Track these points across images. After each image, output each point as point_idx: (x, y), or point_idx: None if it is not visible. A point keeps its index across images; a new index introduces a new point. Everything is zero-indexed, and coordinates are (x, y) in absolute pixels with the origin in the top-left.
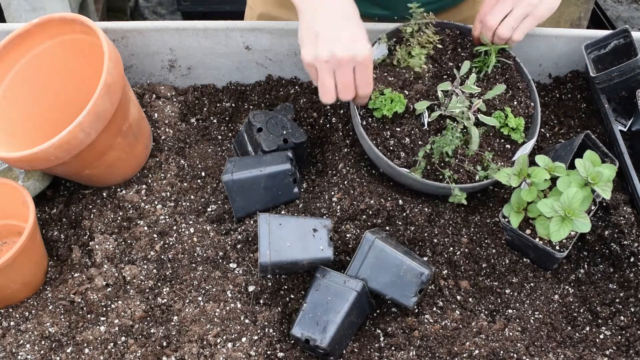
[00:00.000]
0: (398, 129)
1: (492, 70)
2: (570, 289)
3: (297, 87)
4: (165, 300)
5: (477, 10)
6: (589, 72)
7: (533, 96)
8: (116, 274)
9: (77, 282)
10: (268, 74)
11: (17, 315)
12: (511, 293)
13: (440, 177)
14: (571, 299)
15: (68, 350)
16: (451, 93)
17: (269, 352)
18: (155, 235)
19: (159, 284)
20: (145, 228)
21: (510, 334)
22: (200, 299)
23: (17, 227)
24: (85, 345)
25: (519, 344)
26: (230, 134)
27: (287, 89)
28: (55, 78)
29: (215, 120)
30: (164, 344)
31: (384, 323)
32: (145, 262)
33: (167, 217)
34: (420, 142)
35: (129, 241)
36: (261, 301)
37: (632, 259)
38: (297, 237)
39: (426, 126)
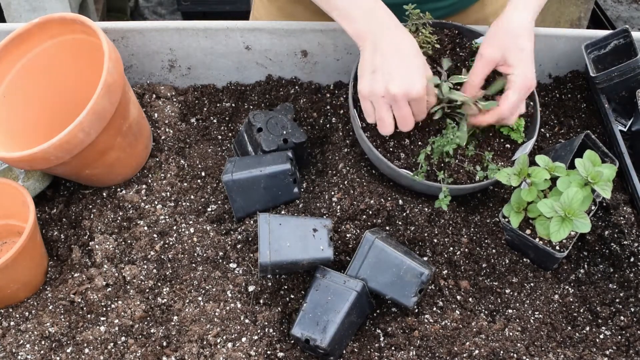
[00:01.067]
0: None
1: None
2: (570, 289)
3: (297, 87)
4: (165, 300)
5: (484, 13)
6: (589, 72)
7: (533, 96)
8: (116, 274)
9: (77, 282)
10: (268, 74)
11: (17, 315)
12: (511, 293)
13: (440, 178)
14: (571, 299)
15: (68, 350)
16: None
17: (269, 352)
18: (155, 235)
19: (159, 284)
20: (145, 228)
21: (510, 334)
22: (200, 299)
23: (17, 227)
24: (85, 345)
25: (519, 344)
26: (230, 134)
27: (287, 89)
28: (55, 78)
29: (215, 120)
30: (164, 344)
31: (384, 323)
32: (145, 262)
33: (167, 217)
34: (420, 143)
35: (129, 241)
36: (261, 301)
37: (632, 259)
38: (297, 237)
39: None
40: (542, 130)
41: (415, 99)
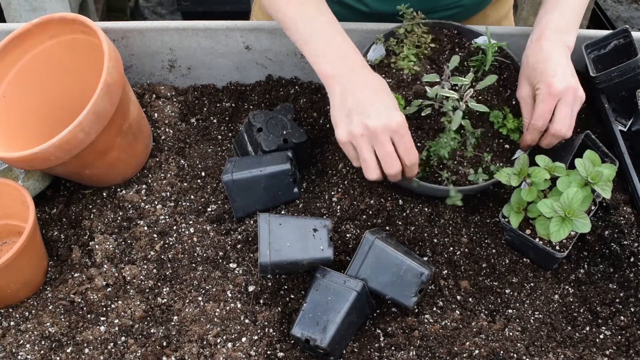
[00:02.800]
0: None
1: (489, 69)
2: (570, 289)
3: (297, 87)
4: (165, 300)
5: (488, 22)
6: (589, 72)
7: None
8: (116, 274)
9: (77, 282)
10: (268, 74)
11: (17, 315)
12: (511, 293)
13: (439, 179)
14: (571, 299)
15: (68, 350)
16: (442, 87)
17: (269, 352)
18: (155, 235)
19: (159, 284)
20: (145, 228)
21: (510, 334)
22: (200, 299)
23: (17, 227)
24: (85, 345)
25: (519, 344)
26: (230, 134)
27: (287, 89)
28: (55, 78)
29: (215, 120)
30: (164, 344)
31: (384, 323)
32: (145, 262)
33: (167, 217)
34: (418, 144)
35: (129, 241)
36: (261, 301)
37: (632, 259)
38: (297, 237)
39: None
40: None
41: (396, 132)
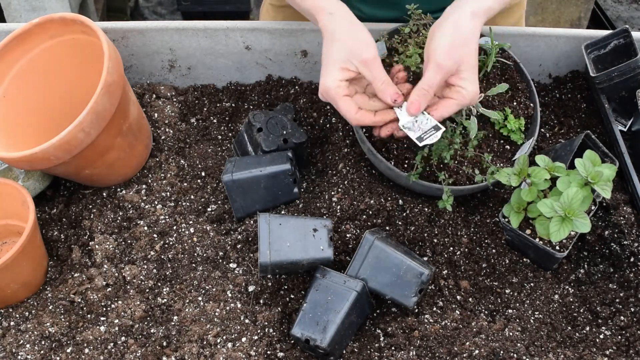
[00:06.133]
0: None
1: (491, 70)
2: (570, 289)
3: (297, 87)
4: (165, 300)
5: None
6: (589, 72)
7: (533, 97)
8: (116, 274)
9: (77, 282)
10: (268, 74)
11: (17, 315)
12: (511, 293)
13: (440, 179)
14: (571, 299)
15: (68, 350)
16: None
17: (269, 352)
18: (155, 235)
19: (159, 284)
20: (145, 228)
21: (510, 334)
22: (200, 299)
23: (17, 227)
24: (85, 345)
25: (519, 344)
26: (230, 134)
27: (287, 89)
28: (55, 78)
29: (215, 120)
30: (164, 344)
31: (384, 323)
32: (145, 262)
33: (167, 217)
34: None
35: (129, 241)
36: (261, 301)
37: (632, 259)
38: (297, 237)
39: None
40: (542, 130)
41: (327, 97)
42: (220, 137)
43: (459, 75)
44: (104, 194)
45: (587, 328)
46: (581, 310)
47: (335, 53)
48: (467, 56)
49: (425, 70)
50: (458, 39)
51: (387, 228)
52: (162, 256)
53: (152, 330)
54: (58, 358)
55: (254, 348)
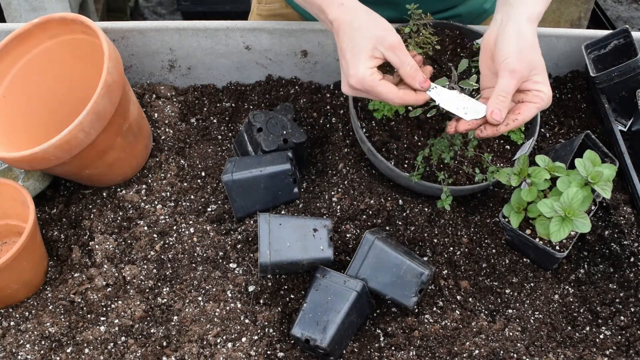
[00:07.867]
0: (398, 130)
1: None
2: (570, 289)
3: (297, 87)
4: (165, 300)
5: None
6: (589, 72)
7: None
8: (116, 274)
9: (77, 282)
10: (268, 74)
11: (17, 315)
12: (511, 293)
13: (440, 179)
14: (571, 299)
15: (68, 350)
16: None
17: (269, 352)
18: (155, 235)
19: (159, 284)
20: (145, 228)
21: (510, 334)
22: (200, 299)
23: (17, 227)
24: (85, 345)
25: (519, 344)
26: (230, 134)
27: (287, 89)
28: (55, 78)
29: (215, 120)
30: (164, 344)
31: (384, 323)
32: (145, 262)
33: (167, 217)
34: (420, 144)
35: (129, 241)
36: (261, 301)
37: (632, 259)
38: (297, 237)
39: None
40: (542, 130)
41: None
42: (220, 137)
43: (533, 79)
44: (104, 194)
45: (587, 328)
46: (581, 310)
47: (360, 41)
48: (537, 61)
49: (499, 77)
50: (525, 44)
51: (387, 228)
52: (162, 256)
53: (152, 330)
54: (58, 358)
55: (254, 348)
